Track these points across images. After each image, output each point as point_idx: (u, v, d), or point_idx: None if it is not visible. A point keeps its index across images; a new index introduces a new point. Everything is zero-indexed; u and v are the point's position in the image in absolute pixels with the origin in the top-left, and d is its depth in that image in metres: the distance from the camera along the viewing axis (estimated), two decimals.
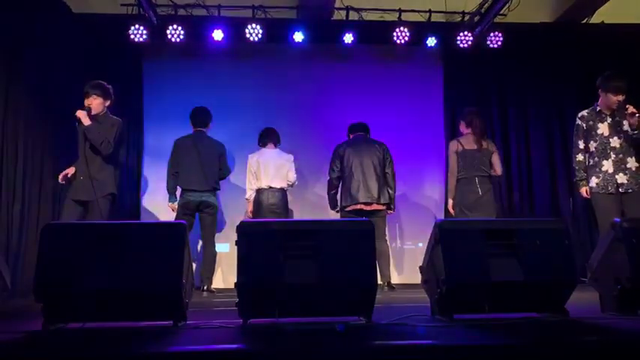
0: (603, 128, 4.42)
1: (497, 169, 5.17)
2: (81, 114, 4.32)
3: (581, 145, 4.50)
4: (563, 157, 6.72)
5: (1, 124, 4.98)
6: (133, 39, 6.08)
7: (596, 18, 6.59)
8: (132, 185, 6.40)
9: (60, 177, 4.49)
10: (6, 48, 5.07)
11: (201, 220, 5.31)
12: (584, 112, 4.54)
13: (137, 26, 6.06)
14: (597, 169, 4.38)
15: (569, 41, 6.66)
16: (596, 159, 4.40)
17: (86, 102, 4.45)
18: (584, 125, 4.49)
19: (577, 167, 4.51)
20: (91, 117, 4.38)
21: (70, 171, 4.46)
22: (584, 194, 4.47)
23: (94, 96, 4.47)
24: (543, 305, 2.64)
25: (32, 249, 4.95)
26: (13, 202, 5.05)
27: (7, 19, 5.05)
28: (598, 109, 4.48)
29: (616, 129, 4.39)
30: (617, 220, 2.74)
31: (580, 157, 4.50)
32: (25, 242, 5.12)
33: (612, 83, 4.37)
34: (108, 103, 4.57)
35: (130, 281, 2.39)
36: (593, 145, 4.44)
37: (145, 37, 6.10)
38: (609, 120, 4.42)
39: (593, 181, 4.39)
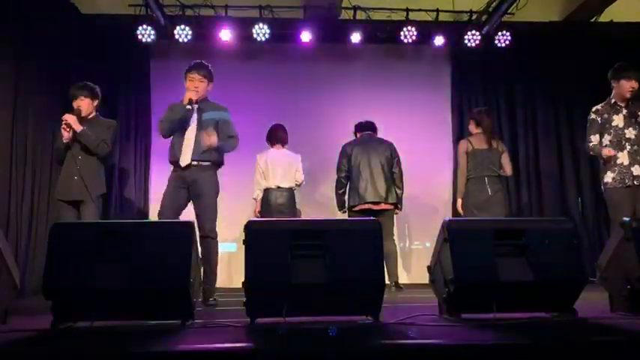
0: (618, 120, 4.37)
1: (507, 168, 5.14)
2: (71, 119, 4.23)
3: (594, 139, 4.42)
4: (572, 157, 6.69)
5: (11, 125, 5.02)
6: (141, 39, 6.12)
7: (605, 17, 6.55)
8: (140, 186, 6.42)
9: (65, 136, 4.27)
10: (14, 49, 5.10)
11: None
12: (599, 106, 4.49)
13: (145, 26, 6.09)
14: (613, 163, 4.32)
15: (577, 40, 6.63)
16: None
17: (75, 104, 4.40)
18: (599, 119, 4.43)
19: (592, 148, 4.42)
20: (81, 120, 4.35)
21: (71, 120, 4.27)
22: (607, 152, 4.29)
23: (82, 97, 4.42)
24: (552, 305, 2.62)
25: (41, 248, 4.98)
26: (22, 202, 5.08)
27: (15, 21, 5.09)
28: (612, 101, 4.43)
29: (631, 120, 4.34)
30: (626, 219, 2.72)
31: (593, 144, 4.42)
32: (34, 241, 5.15)
33: (624, 72, 4.37)
34: (96, 103, 4.52)
35: (138, 280, 2.40)
36: (607, 139, 4.37)
37: (152, 37, 6.13)
38: (624, 112, 4.38)
39: (609, 176, 4.33)
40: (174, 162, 4.10)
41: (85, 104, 4.42)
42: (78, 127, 4.27)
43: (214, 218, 4.04)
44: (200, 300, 3.70)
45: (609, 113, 4.41)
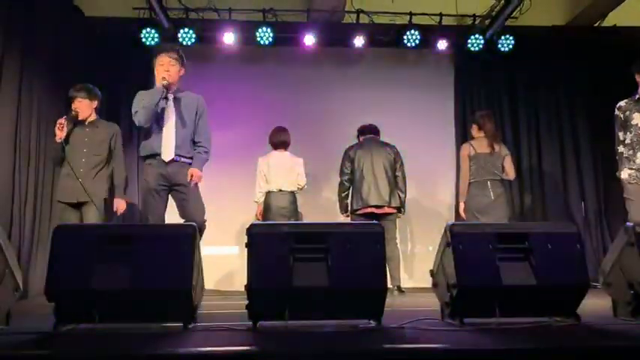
0: (638, 119, 4.22)
1: (510, 172, 5.13)
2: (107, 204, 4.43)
3: (622, 136, 4.29)
4: (575, 161, 6.68)
5: (14, 126, 5.02)
6: (145, 42, 6.13)
7: (608, 21, 6.55)
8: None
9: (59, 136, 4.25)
10: (18, 51, 5.11)
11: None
12: (622, 102, 4.33)
13: (149, 30, 6.11)
14: (631, 162, 4.20)
15: (580, 44, 6.62)
16: (630, 151, 4.22)
17: (72, 106, 4.41)
18: (622, 116, 4.29)
19: (618, 159, 4.30)
20: (78, 121, 4.37)
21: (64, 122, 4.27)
22: (625, 178, 4.22)
23: (79, 99, 4.42)
24: (555, 310, 2.61)
25: (44, 250, 4.98)
26: (25, 203, 5.08)
27: (18, 23, 5.10)
28: (637, 97, 4.26)
29: None
30: (630, 224, 2.72)
31: (621, 148, 4.30)
32: (37, 243, 5.15)
33: None
34: (95, 104, 4.52)
35: (141, 283, 2.40)
36: (628, 137, 4.24)
37: (156, 40, 6.14)
38: None
39: (626, 172, 4.21)
40: (152, 155, 3.92)
41: (82, 106, 4.43)
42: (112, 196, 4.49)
43: (204, 220, 3.89)
44: None
45: (631, 110, 4.25)
